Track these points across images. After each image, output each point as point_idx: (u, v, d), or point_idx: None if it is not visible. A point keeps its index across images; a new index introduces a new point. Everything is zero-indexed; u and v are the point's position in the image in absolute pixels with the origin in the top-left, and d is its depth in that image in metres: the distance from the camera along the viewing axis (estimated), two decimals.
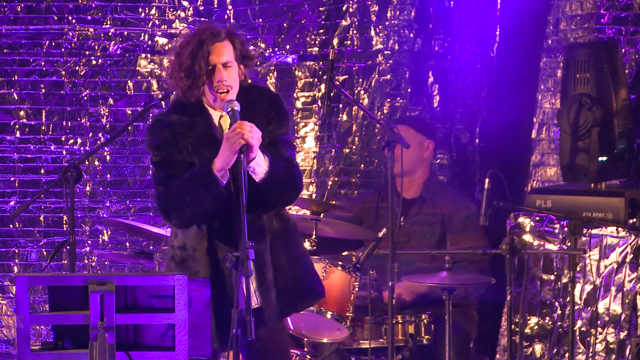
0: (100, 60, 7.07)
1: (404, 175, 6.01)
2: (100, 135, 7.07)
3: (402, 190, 6.08)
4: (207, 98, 4.49)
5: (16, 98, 7.06)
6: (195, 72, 4.42)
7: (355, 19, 6.97)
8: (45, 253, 7.04)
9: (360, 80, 6.98)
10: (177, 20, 7.10)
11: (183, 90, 4.46)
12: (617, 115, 5.59)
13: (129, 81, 7.10)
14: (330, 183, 7.03)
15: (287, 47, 7.12)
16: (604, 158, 5.58)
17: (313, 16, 7.07)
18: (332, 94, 5.50)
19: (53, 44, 7.06)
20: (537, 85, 6.56)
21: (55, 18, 7.05)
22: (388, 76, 6.92)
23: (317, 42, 7.08)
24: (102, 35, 7.08)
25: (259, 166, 4.38)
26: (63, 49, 7.05)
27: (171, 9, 7.12)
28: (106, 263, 7.08)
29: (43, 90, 7.07)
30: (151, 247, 6.81)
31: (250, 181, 4.30)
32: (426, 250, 5.89)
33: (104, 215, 7.04)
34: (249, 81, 4.61)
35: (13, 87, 7.06)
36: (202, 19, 7.09)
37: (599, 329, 6.03)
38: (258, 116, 4.46)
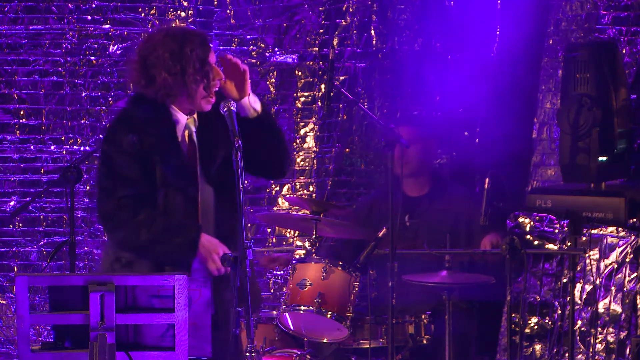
0: (100, 60, 7.07)
1: (411, 176, 6.02)
2: (100, 135, 7.07)
3: (407, 189, 6.09)
4: (193, 99, 4.44)
5: (16, 98, 7.06)
6: (208, 74, 4.40)
7: (355, 19, 6.97)
8: (45, 253, 7.03)
9: (360, 80, 6.98)
10: (177, 20, 7.10)
11: (190, 95, 4.40)
12: (617, 115, 5.59)
13: (129, 81, 7.10)
14: (330, 183, 7.03)
15: (287, 47, 7.12)
16: (604, 158, 5.58)
17: (313, 16, 7.07)
18: (332, 94, 5.50)
19: (53, 44, 7.06)
20: (537, 85, 6.56)
21: (55, 18, 7.05)
22: (388, 76, 6.92)
23: (317, 42, 7.08)
24: (102, 35, 7.08)
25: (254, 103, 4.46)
26: (63, 49, 7.05)
27: (171, 9, 7.11)
28: None
29: (43, 90, 7.07)
30: None
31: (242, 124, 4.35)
32: (426, 250, 5.88)
33: None
34: None
35: (13, 87, 7.05)
36: (202, 19, 7.09)
37: (599, 329, 6.03)
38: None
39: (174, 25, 4.46)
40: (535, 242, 6.23)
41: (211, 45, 4.48)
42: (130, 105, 4.51)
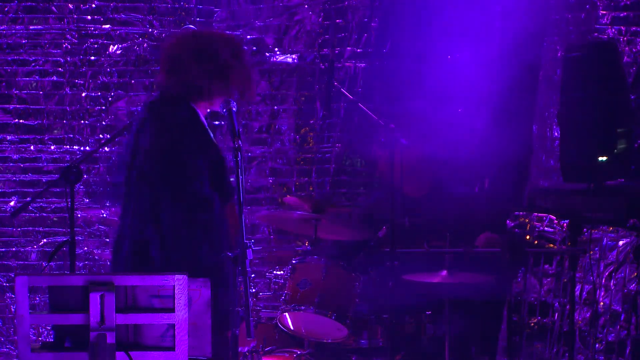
0: (100, 60, 7.07)
1: (409, 175, 6.02)
2: (100, 135, 7.07)
3: (407, 189, 6.09)
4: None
5: (16, 98, 7.06)
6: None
7: (355, 19, 6.97)
8: (45, 253, 7.04)
9: (360, 80, 6.98)
10: (177, 20, 7.10)
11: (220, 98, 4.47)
12: (617, 115, 5.59)
13: (129, 81, 7.10)
14: (330, 183, 7.03)
15: (287, 47, 7.12)
16: (604, 158, 5.58)
17: (313, 16, 7.07)
18: (332, 94, 5.51)
19: (53, 44, 7.06)
20: (537, 85, 6.56)
21: (55, 18, 7.05)
22: (388, 76, 6.93)
23: (317, 42, 7.08)
24: (102, 35, 7.08)
25: None
26: (63, 49, 7.06)
27: (171, 9, 7.11)
28: (108, 263, 7.08)
29: (43, 91, 7.07)
30: None
31: None
32: (426, 250, 5.88)
33: (104, 215, 7.05)
34: None
35: (13, 87, 7.06)
36: (202, 19, 7.09)
37: (599, 329, 6.03)
38: None
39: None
40: (535, 242, 6.23)
41: None
42: (191, 120, 4.50)
